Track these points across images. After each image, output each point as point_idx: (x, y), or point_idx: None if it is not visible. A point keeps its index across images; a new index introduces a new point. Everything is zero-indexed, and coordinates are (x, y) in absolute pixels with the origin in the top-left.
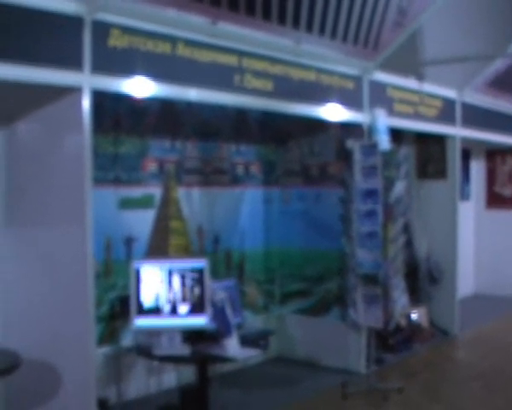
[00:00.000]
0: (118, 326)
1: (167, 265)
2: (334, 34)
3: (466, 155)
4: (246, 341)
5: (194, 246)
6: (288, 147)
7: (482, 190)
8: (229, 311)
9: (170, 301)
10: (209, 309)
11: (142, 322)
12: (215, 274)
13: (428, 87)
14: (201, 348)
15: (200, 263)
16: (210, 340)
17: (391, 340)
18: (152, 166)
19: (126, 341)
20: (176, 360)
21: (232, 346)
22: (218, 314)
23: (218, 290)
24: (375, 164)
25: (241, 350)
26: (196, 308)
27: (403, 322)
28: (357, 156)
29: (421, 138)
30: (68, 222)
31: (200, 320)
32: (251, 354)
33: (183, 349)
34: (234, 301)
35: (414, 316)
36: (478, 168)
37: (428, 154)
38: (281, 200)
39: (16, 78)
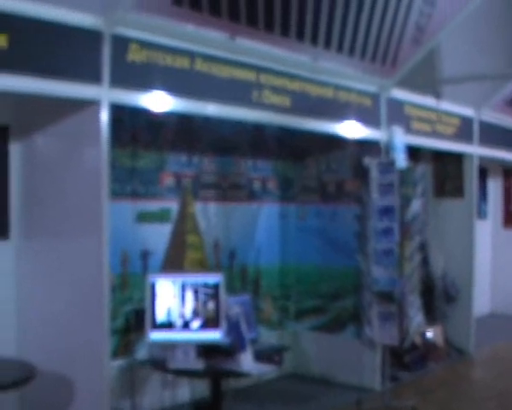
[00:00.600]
0: (133, 339)
1: (183, 279)
2: (352, 51)
3: (483, 174)
4: (260, 356)
5: (211, 261)
6: (305, 163)
7: (499, 208)
8: (243, 326)
9: (184, 315)
10: (224, 324)
11: (156, 335)
12: (231, 289)
13: (446, 105)
14: (215, 362)
15: (216, 278)
16: (224, 354)
17: (406, 358)
18: (169, 181)
19: (141, 354)
20: (190, 373)
21: (246, 361)
22: (233, 329)
23: (232, 305)
24: (391, 182)
25: (256, 365)
26: (211, 323)
27: (418, 340)
28: (374, 174)
29: (439, 156)
30: (85, 235)
31: (214, 335)
32: (265, 370)
33: (198, 363)
34: (248, 316)
35: (429, 334)
36: (495, 187)
37: (446, 172)
38: (297, 216)
39: (35, 91)
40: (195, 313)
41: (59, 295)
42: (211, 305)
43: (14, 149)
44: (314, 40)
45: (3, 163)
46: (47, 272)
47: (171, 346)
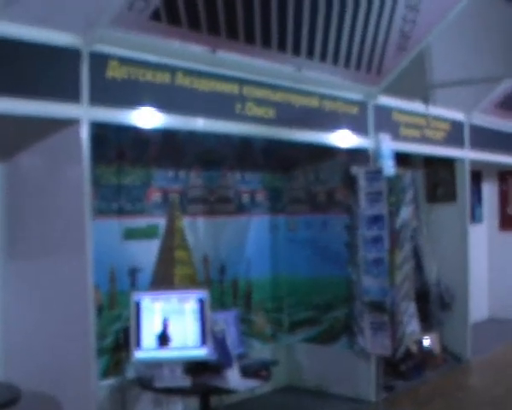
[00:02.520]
0: (123, 358)
1: (168, 296)
2: (335, 60)
3: (477, 177)
4: (247, 371)
5: (200, 276)
6: (293, 174)
7: (495, 211)
8: (229, 342)
9: (170, 333)
10: (210, 340)
11: (142, 354)
12: (221, 304)
13: (435, 110)
14: (202, 379)
15: (201, 294)
16: (211, 371)
17: (402, 366)
18: (156, 197)
19: (131, 373)
20: (177, 392)
21: (233, 377)
22: (219, 345)
23: (218, 321)
24: (379, 190)
25: (242, 381)
26: (197, 340)
27: (414, 348)
28: (362, 182)
29: (430, 162)
30: (69, 254)
31: (201, 352)
32: (252, 385)
33: (184, 381)
34: (236, 331)
35: (425, 342)
36: (490, 190)
37: (437, 177)
38: (287, 227)
39: (14, 111)
40: (181, 331)
41: (44, 315)
42: (197, 321)
43: None
44: (296, 50)
45: None
46: (32, 292)
47: (157, 364)
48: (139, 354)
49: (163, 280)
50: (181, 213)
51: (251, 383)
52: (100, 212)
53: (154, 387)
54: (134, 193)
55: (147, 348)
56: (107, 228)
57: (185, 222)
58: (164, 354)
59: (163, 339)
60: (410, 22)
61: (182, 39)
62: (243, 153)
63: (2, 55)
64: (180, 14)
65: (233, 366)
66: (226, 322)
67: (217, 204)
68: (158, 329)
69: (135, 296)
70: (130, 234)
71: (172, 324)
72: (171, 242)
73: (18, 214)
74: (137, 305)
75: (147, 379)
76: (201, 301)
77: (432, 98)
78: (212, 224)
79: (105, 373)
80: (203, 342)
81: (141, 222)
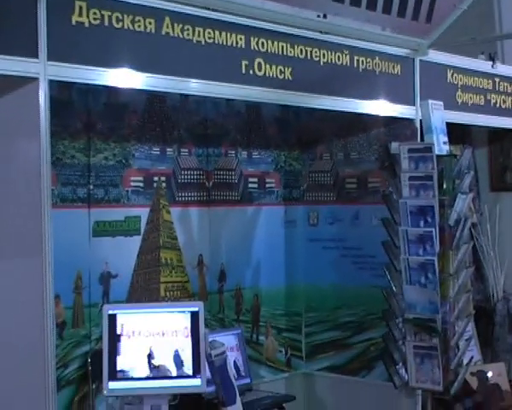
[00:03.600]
0: (91, 391)
1: (151, 310)
2: (372, 3)
3: None
4: None
5: (193, 284)
6: (316, 153)
7: None
8: (231, 370)
9: (154, 358)
10: (205, 368)
11: (117, 385)
12: (220, 321)
13: (504, 68)
14: None
15: (194, 307)
16: (206, 409)
17: (457, 407)
18: (136, 180)
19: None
20: None
21: None
22: (217, 374)
23: (217, 343)
24: (428, 173)
25: None
26: (189, 367)
27: (474, 382)
28: (405, 164)
29: (497, 137)
30: (23, 255)
31: (193, 382)
32: None
33: None
34: (240, 356)
35: (489, 374)
36: None
37: (506, 158)
38: (307, 222)
39: None
40: (168, 355)
41: None
42: (189, 343)
43: None
44: None
45: None
46: None
47: (136, 399)
48: (113, 386)
49: (145, 289)
50: (169, 203)
51: None
52: (62, 200)
53: None
54: (107, 175)
55: (124, 378)
56: (72, 221)
57: (174, 214)
58: (145, 385)
59: (144, 366)
60: None
61: None
62: (250, 124)
63: None
64: None
65: (235, 403)
66: (227, 344)
67: (215, 191)
68: (138, 353)
69: (108, 310)
70: (103, 229)
71: (157, 346)
72: (156, 239)
73: None
74: (112, 322)
75: None
76: (194, 317)
77: (500, 54)
78: (208, 216)
79: None
80: (196, 369)
81: (116, 214)
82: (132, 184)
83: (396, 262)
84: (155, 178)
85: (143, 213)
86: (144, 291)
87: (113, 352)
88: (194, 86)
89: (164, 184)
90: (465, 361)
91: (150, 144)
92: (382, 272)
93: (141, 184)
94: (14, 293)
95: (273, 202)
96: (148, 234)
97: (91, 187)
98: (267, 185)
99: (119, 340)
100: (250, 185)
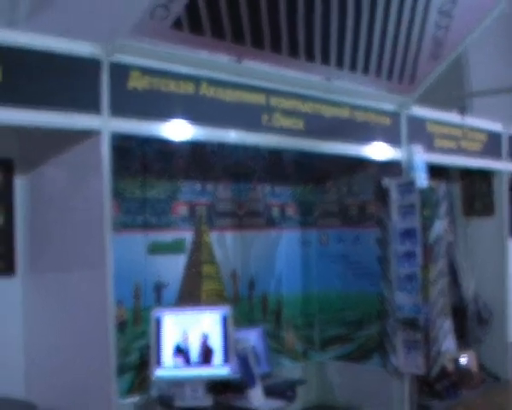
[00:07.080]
0: (148, 375)
1: (190, 312)
2: (366, 69)
3: None
4: (272, 391)
5: (229, 291)
6: (325, 187)
7: None
8: (252, 361)
9: (192, 351)
10: (233, 358)
11: (162, 372)
12: (250, 320)
13: (472, 120)
14: (225, 399)
15: (224, 310)
16: (234, 391)
17: (437, 386)
18: (182, 210)
19: (154, 391)
20: None
21: (256, 397)
22: (242, 364)
23: (242, 339)
24: (412, 203)
25: (266, 401)
26: (220, 358)
27: (450, 367)
28: (394, 195)
29: (467, 174)
30: (89, 268)
31: (223, 370)
32: (276, 406)
33: (206, 401)
34: (263, 348)
35: (462, 360)
36: None
37: (474, 190)
38: (318, 242)
39: (33, 123)
40: (203, 348)
41: (65, 331)
42: (219, 339)
43: (19, 183)
44: (325, 59)
45: (8, 197)
46: (52, 307)
47: (179, 383)
48: (159, 373)
49: (190, 296)
50: (208, 228)
51: (275, 403)
52: (124, 226)
53: (175, 406)
54: (160, 206)
55: (167, 366)
56: (132, 242)
57: (213, 236)
58: (185, 372)
59: (185, 357)
60: (444, 28)
61: (205, 48)
62: (273, 165)
63: (22, 65)
64: (203, 22)
65: (256, 386)
66: (253, 339)
67: (246, 218)
68: (179, 346)
69: (155, 313)
70: (156, 248)
71: (194, 341)
72: (199, 256)
73: (40, 228)
74: (158, 321)
75: (168, 398)
76: (224, 318)
77: (468, 108)
78: (240, 238)
79: (129, 391)
80: (226, 360)
81: (167, 236)
82: (179, 212)
83: (388, 273)
84: (197, 208)
85: (188, 236)
86: (189, 297)
87: (159, 346)
88: (232, 136)
89: (204, 213)
90: (443, 350)
91: (193, 181)
92: (377, 281)
93: (186, 213)
94: (85, 298)
95: (291, 226)
96: (192, 252)
97: (147, 215)
98: (287, 213)
99: (163, 336)
100: (273, 213)
